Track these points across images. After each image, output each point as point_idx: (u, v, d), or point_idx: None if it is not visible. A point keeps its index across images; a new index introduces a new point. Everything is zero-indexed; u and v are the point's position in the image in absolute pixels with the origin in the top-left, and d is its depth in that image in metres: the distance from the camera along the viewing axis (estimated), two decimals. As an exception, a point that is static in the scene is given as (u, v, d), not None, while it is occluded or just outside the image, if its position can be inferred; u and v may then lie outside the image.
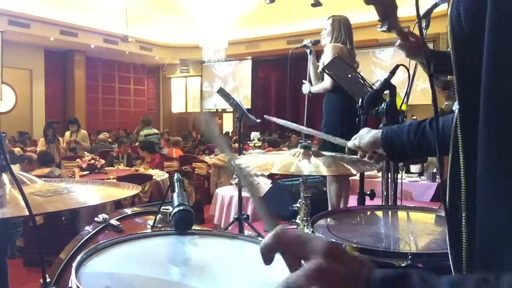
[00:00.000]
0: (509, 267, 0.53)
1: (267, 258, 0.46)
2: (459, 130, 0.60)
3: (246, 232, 3.55)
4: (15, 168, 4.16)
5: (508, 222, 0.52)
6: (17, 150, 7.87)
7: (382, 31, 1.60)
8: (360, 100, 1.94)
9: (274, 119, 1.74)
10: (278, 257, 0.47)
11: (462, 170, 0.59)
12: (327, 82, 3.39)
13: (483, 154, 0.54)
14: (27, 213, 0.78)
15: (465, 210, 0.59)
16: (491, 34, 0.51)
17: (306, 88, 3.67)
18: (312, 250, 0.43)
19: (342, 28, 3.45)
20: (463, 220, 0.60)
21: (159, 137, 7.83)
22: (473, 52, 0.54)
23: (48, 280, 1.10)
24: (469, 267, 0.60)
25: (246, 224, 3.82)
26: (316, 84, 3.62)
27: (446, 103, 3.12)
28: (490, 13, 0.51)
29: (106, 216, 1.42)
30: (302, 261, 0.44)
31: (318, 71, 3.60)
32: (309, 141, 3.06)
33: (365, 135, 1.31)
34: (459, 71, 0.60)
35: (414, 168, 5.10)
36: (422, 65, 1.98)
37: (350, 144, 1.37)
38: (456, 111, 0.62)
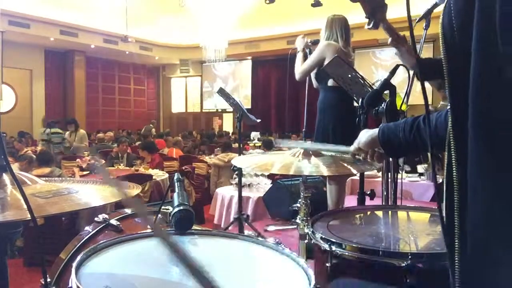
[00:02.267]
0: (499, 269, 0.53)
1: None
2: (451, 134, 0.61)
3: (246, 232, 3.55)
4: (14, 167, 4.16)
5: (498, 226, 0.52)
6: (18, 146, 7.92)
7: (368, 28, 1.61)
8: (360, 100, 1.94)
9: (282, 143, 1.77)
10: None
11: (454, 175, 0.60)
12: (299, 66, 3.43)
13: (473, 157, 0.55)
14: (29, 216, 0.78)
15: (457, 212, 0.60)
16: (476, 38, 0.53)
17: (299, 45, 3.62)
18: None
19: (334, 27, 3.43)
20: (456, 222, 0.61)
21: (62, 137, 7.63)
22: (464, 57, 0.56)
23: (48, 280, 1.10)
24: (462, 267, 0.61)
25: (246, 224, 3.82)
26: (315, 84, 3.61)
27: (442, 102, 3.13)
28: (476, 19, 0.52)
29: (106, 216, 1.42)
30: None
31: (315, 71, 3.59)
32: (309, 141, 3.05)
33: (364, 136, 1.32)
34: (450, 76, 0.61)
35: (421, 168, 5.07)
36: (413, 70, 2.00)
37: (352, 148, 1.38)
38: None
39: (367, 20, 1.55)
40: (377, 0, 1.48)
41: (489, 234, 0.54)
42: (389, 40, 1.81)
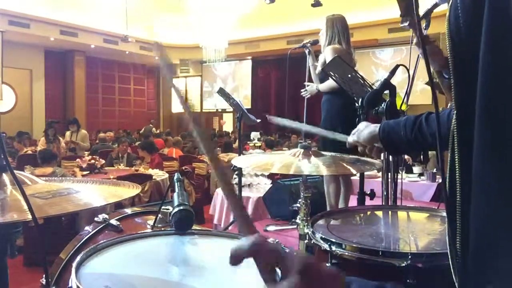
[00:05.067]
0: (499, 271, 0.53)
1: (236, 261, 0.45)
2: (455, 132, 0.61)
3: (246, 232, 3.54)
4: None
5: (500, 227, 0.52)
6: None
7: (403, 26, 1.60)
8: (360, 100, 1.94)
9: (276, 119, 1.74)
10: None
11: (457, 173, 0.60)
12: (332, 81, 3.34)
13: (478, 158, 0.55)
14: (29, 217, 0.78)
15: (459, 212, 0.60)
16: (487, 36, 0.52)
17: (312, 89, 3.59)
18: (289, 267, 0.43)
19: (336, 27, 3.43)
20: (458, 222, 0.61)
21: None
22: (471, 54, 0.55)
23: (48, 279, 1.10)
24: (463, 268, 0.61)
25: (246, 224, 3.81)
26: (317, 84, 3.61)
27: (451, 104, 3.12)
28: (487, 16, 0.52)
29: (106, 216, 1.42)
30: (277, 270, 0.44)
31: (317, 72, 3.59)
32: (309, 141, 3.05)
33: (363, 130, 1.32)
34: (456, 73, 0.61)
35: (416, 169, 5.10)
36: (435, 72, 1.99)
37: (350, 139, 1.38)
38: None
39: (399, 18, 1.54)
40: None
41: (491, 234, 0.54)
42: (415, 39, 1.79)
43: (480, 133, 0.54)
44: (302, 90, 3.68)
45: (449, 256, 0.63)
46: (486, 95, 0.53)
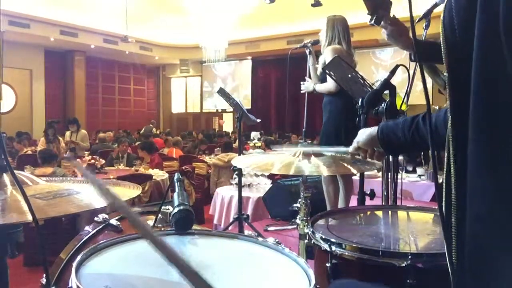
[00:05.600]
0: (496, 271, 0.53)
1: None
2: (450, 132, 0.61)
3: (246, 232, 3.55)
4: None
5: (498, 226, 0.52)
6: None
7: (370, 24, 1.60)
8: (360, 100, 1.94)
9: (276, 148, 1.79)
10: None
11: (453, 174, 0.60)
12: (330, 84, 3.34)
13: (473, 157, 0.55)
14: (30, 218, 0.78)
15: (455, 212, 0.60)
16: (479, 38, 0.52)
17: (309, 86, 3.60)
18: None
19: (336, 27, 3.42)
20: (453, 222, 0.61)
21: None
22: (465, 56, 0.55)
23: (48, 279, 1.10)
24: (460, 267, 0.61)
25: (246, 224, 3.82)
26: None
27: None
28: (479, 18, 0.52)
29: (106, 216, 1.42)
30: None
31: (318, 72, 3.59)
32: (309, 141, 3.04)
33: (362, 135, 1.31)
34: (451, 74, 0.61)
35: (420, 170, 5.09)
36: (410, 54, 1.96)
37: (351, 149, 1.37)
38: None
39: (369, 16, 1.55)
40: None
41: (488, 234, 0.54)
42: (382, 23, 1.78)
43: (475, 132, 0.54)
44: (301, 82, 3.69)
45: (447, 257, 0.63)
46: (480, 93, 0.53)
